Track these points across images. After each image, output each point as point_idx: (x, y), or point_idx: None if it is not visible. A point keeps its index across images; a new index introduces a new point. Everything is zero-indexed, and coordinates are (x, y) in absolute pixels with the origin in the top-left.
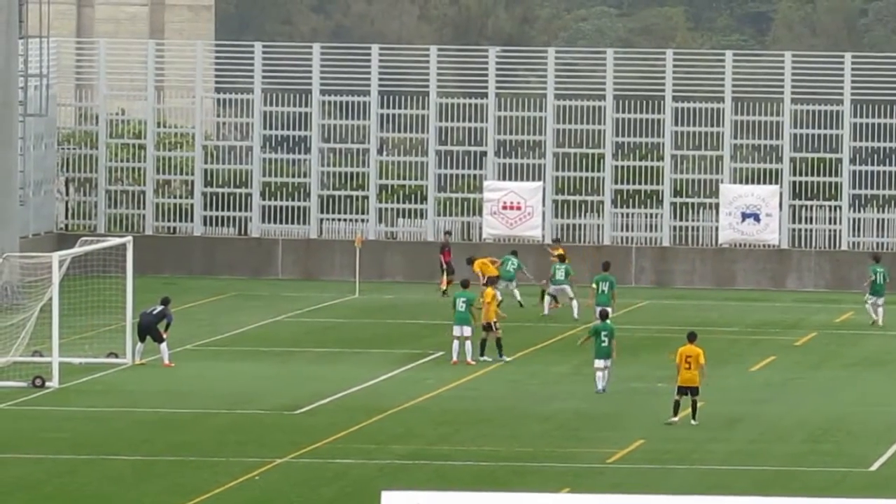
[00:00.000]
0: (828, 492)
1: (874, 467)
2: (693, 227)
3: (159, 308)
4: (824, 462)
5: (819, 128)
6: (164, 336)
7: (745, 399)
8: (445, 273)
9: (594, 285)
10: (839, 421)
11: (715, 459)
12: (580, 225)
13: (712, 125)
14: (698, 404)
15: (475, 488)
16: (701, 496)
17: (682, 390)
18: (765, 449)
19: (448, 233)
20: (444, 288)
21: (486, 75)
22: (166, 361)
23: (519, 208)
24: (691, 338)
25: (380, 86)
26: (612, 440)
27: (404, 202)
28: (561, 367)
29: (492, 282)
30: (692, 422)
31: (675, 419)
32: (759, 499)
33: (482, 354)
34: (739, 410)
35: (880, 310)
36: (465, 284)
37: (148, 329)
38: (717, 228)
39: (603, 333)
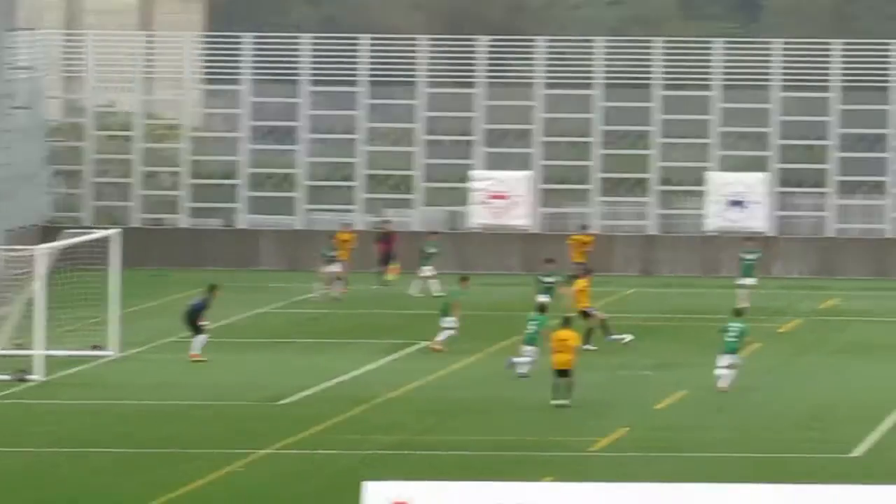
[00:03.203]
0: (813, 478)
1: (859, 453)
2: (679, 215)
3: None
4: (809, 449)
5: (807, 115)
6: (203, 325)
7: (730, 386)
8: (387, 263)
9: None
10: (825, 408)
11: (700, 447)
12: (568, 214)
13: (700, 113)
14: (573, 386)
15: (460, 478)
16: (686, 484)
17: (558, 373)
18: (749, 436)
19: (387, 221)
20: (390, 277)
21: (476, 64)
22: (193, 352)
23: (506, 198)
24: (566, 322)
25: (369, 75)
26: (596, 428)
27: (392, 192)
28: (545, 357)
29: (587, 270)
30: (565, 402)
31: (557, 402)
32: (746, 486)
33: (586, 343)
34: (725, 398)
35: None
36: (542, 308)
37: (188, 320)
38: (703, 216)
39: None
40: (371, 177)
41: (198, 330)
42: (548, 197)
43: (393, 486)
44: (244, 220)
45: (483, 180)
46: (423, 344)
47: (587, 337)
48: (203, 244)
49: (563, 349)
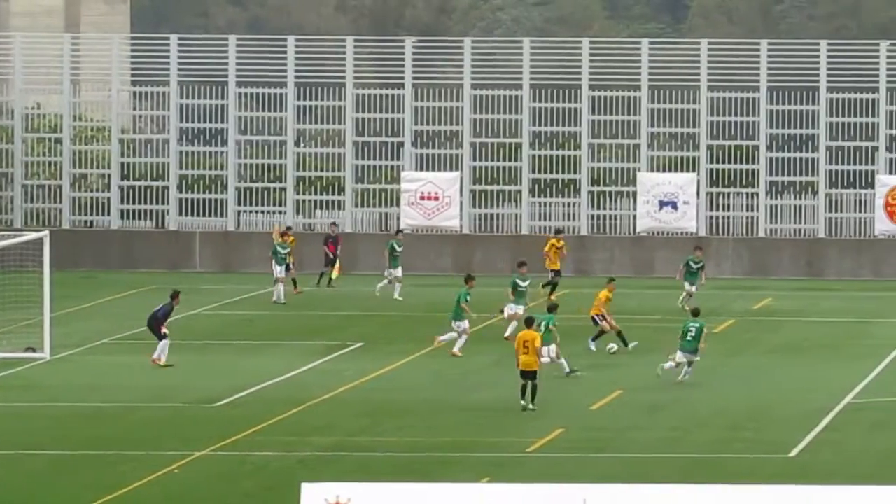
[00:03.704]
0: (748, 478)
1: (793, 454)
2: (611, 216)
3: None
4: (744, 449)
5: (736, 115)
6: (164, 332)
7: (665, 387)
8: (334, 264)
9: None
10: (759, 408)
11: (636, 447)
12: (498, 215)
13: (629, 113)
14: (538, 389)
15: (397, 479)
16: (622, 484)
17: (523, 374)
18: (685, 437)
19: (335, 223)
20: (335, 276)
21: (403, 66)
22: (154, 356)
23: (436, 198)
24: (528, 323)
25: (296, 77)
26: (533, 429)
27: (322, 193)
28: (481, 358)
29: (611, 279)
30: (530, 406)
31: (525, 404)
32: (681, 486)
33: (593, 343)
34: (660, 398)
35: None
36: (551, 308)
37: (151, 326)
38: (634, 217)
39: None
40: (300, 178)
41: (160, 336)
42: (478, 198)
43: (330, 487)
44: (175, 221)
45: (413, 181)
46: (359, 345)
47: (620, 337)
48: (134, 246)
49: (527, 350)
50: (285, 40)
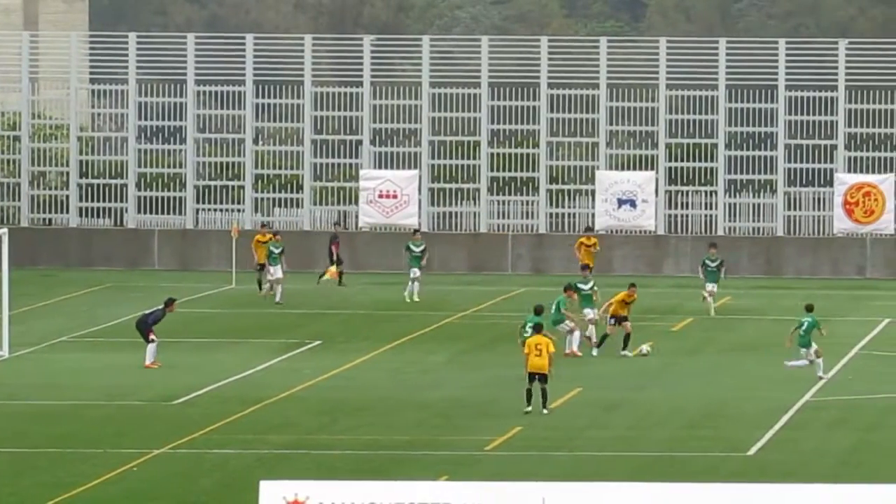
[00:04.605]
0: (706, 477)
1: (751, 452)
2: (569, 214)
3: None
4: (702, 447)
5: (694, 113)
6: (152, 336)
7: (623, 385)
8: (335, 264)
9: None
10: (717, 406)
11: (593, 446)
12: (456, 213)
13: (588, 112)
14: (549, 391)
15: (355, 477)
16: (581, 483)
17: (532, 377)
18: (643, 435)
19: (337, 223)
20: (336, 279)
21: (362, 64)
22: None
23: (395, 197)
24: (538, 328)
25: (255, 75)
26: (490, 428)
27: (280, 192)
28: (438, 356)
29: (632, 284)
30: (543, 411)
31: (529, 408)
32: (639, 484)
33: (624, 349)
34: (617, 397)
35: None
36: (538, 311)
37: (140, 329)
38: (593, 215)
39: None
40: (259, 176)
41: (147, 340)
42: (436, 196)
43: (289, 484)
44: (133, 219)
45: (371, 179)
46: (317, 343)
47: (625, 342)
48: (93, 244)
49: (539, 353)
50: (244, 38)
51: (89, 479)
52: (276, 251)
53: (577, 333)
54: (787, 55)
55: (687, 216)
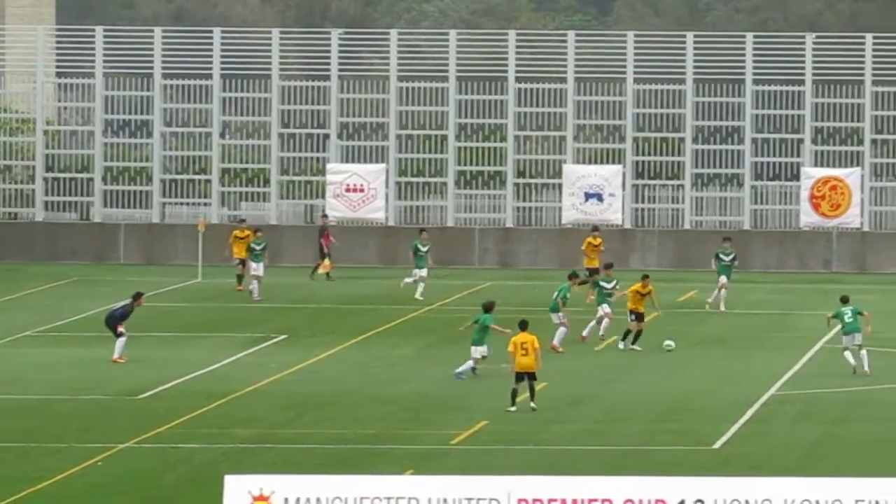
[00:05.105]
0: (672, 470)
1: (717, 445)
2: (536, 208)
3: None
4: (669, 441)
5: (661, 107)
6: (121, 330)
7: (589, 380)
8: (327, 258)
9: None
10: (684, 400)
11: (560, 440)
12: (424, 207)
13: (555, 106)
14: (536, 387)
15: (320, 472)
16: (547, 476)
17: (520, 376)
18: (610, 429)
19: (325, 215)
20: (328, 272)
21: (329, 58)
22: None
23: (362, 191)
24: (523, 326)
25: (222, 69)
26: (456, 422)
27: (247, 185)
28: (404, 350)
29: (646, 275)
30: (531, 405)
31: (514, 408)
32: (606, 478)
33: (634, 343)
34: (584, 391)
35: (863, 353)
36: (487, 308)
37: (109, 325)
38: (560, 209)
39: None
40: (226, 170)
41: (117, 334)
42: (403, 190)
43: (254, 479)
44: (99, 213)
45: (339, 173)
46: (283, 337)
47: (636, 337)
48: (59, 238)
49: (525, 352)
50: (211, 32)
51: (54, 474)
52: (258, 248)
53: (562, 329)
54: (755, 49)
55: (654, 210)
